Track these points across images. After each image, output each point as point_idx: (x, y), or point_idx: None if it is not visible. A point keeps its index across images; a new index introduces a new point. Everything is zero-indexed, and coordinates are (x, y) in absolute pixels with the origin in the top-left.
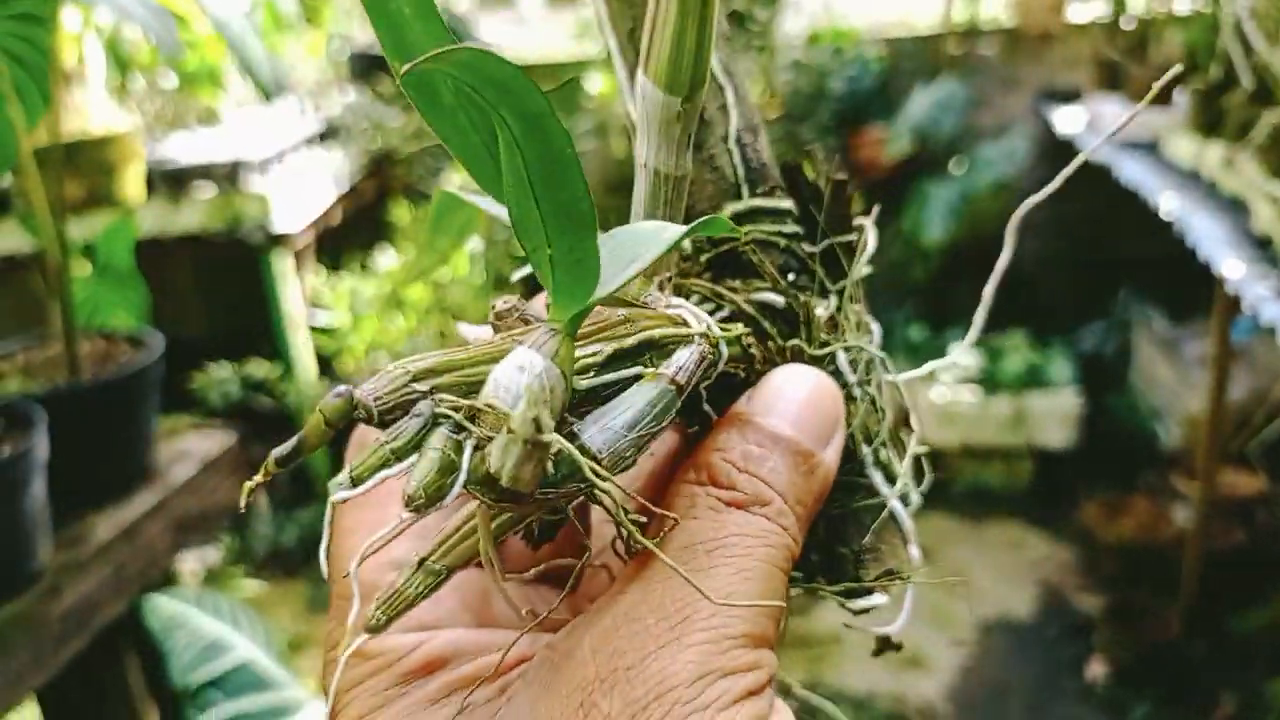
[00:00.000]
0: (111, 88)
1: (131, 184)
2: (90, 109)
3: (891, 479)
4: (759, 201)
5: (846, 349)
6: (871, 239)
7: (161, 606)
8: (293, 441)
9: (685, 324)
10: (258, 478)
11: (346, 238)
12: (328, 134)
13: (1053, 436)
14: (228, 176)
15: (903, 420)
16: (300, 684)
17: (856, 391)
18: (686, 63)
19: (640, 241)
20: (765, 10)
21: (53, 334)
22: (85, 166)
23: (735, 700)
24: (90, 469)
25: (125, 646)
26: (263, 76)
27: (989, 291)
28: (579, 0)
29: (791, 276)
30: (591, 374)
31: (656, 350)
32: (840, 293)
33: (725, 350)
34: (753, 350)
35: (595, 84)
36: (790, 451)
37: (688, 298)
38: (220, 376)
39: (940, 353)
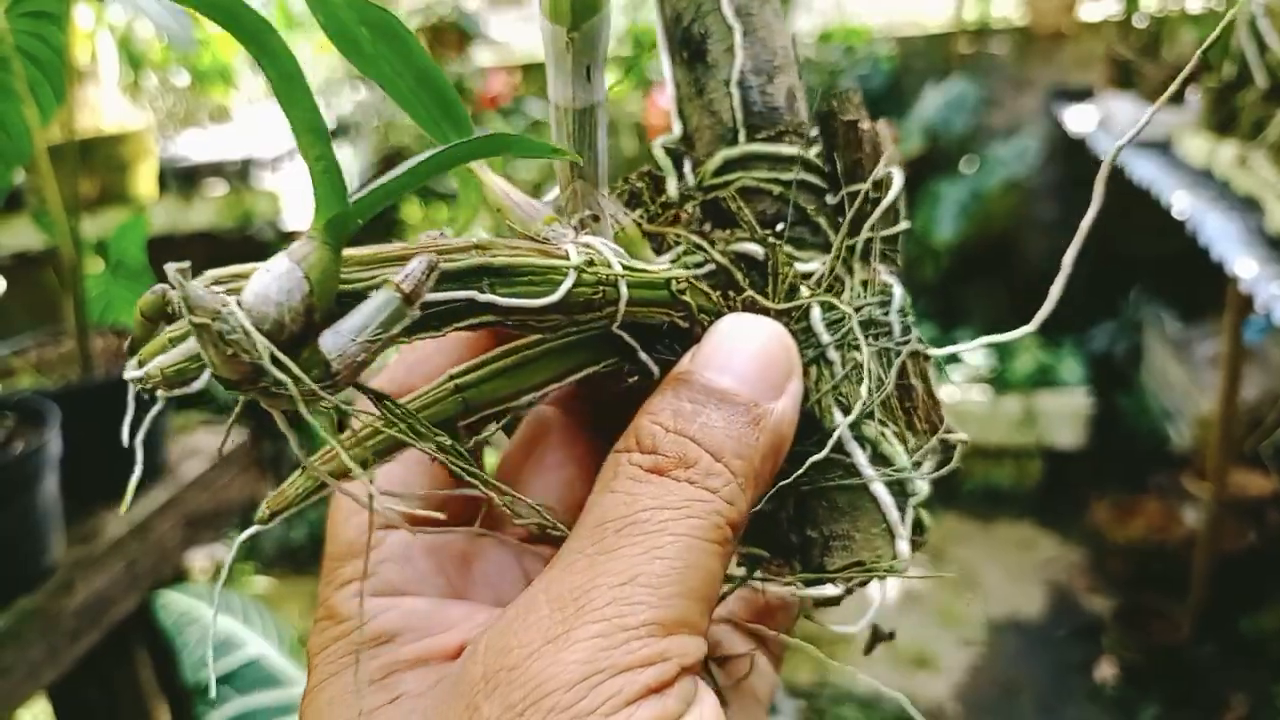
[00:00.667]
0: (124, 85)
1: (144, 181)
2: (103, 106)
3: (883, 459)
4: (755, 147)
5: (827, 305)
6: (896, 186)
7: (173, 602)
8: (128, 341)
9: (565, 258)
10: (134, 373)
11: (357, 236)
12: (338, 132)
13: (1063, 437)
14: (239, 174)
15: (929, 400)
16: None
17: (832, 354)
18: None
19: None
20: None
21: (66, 331)
22: (98, 164)
23: (629, 701)
24: (102, 465)
25: (137, 642)
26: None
27: (1069, 259)
28: None
29: (780, 227)
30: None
31: (495, 277)
32: (849, 247)
33: (624, 290)
34: (686, 297)
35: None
36: (727, 403)
37: (670, 248)
38: None
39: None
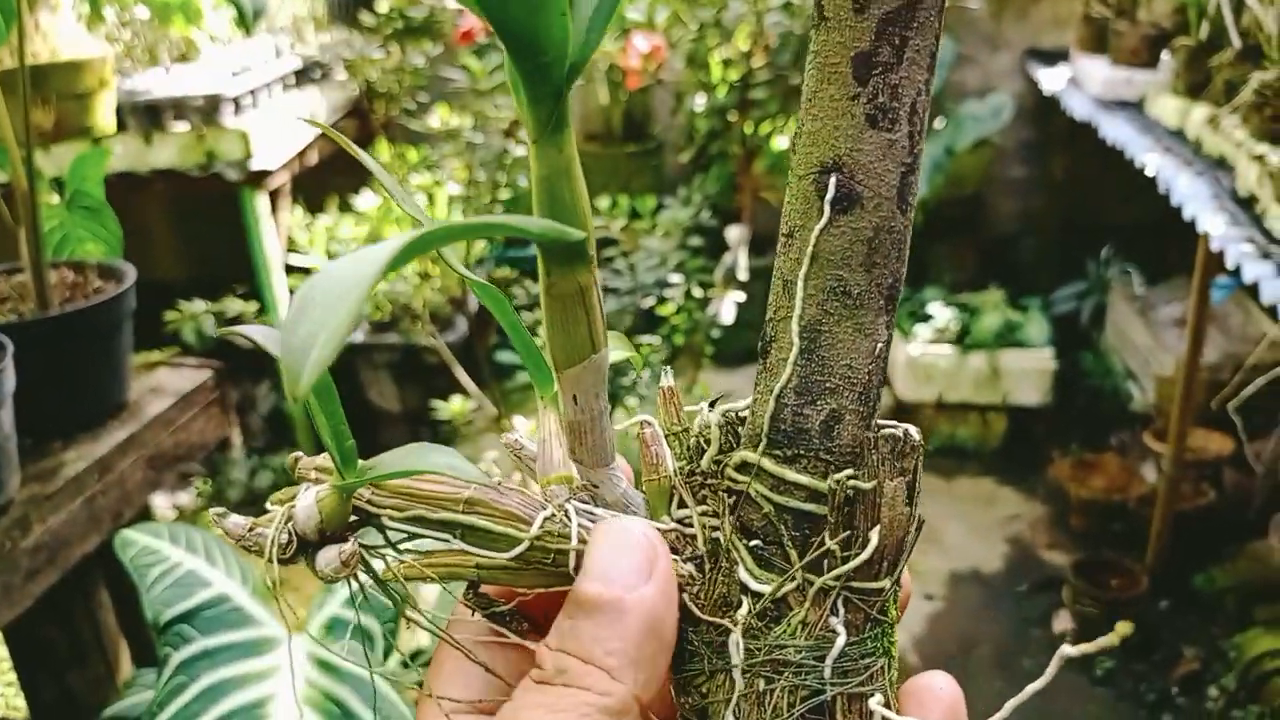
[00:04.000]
0: (81, 16)
1: (102, 114)
2: (59, 34)
3: None
4: (766, 462)
5: (746, 631)
6: (869, 549)
7: (133, 540)
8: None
9: (526, 527)
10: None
11: (324, 179)
12: (306, 72)
13: (1027, 395)
14: (201, 112)
15: None
16: (277, 621)
17: (736, 675)
18: (564, 345)
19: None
20: None
21: (21, 265)
22: (54, 92)
23: None
24: (60, 401)
25: (98, 582)
26: (243, 1)
27: None
28: None
29: (755, 542)
30: (414, 526)
31: (467, 530)
32: (815, 587)
33: (573, 559)
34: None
35: None
36: (594, 607)
37: (699, 503)
38: (194, 311)
39: (919, 309)
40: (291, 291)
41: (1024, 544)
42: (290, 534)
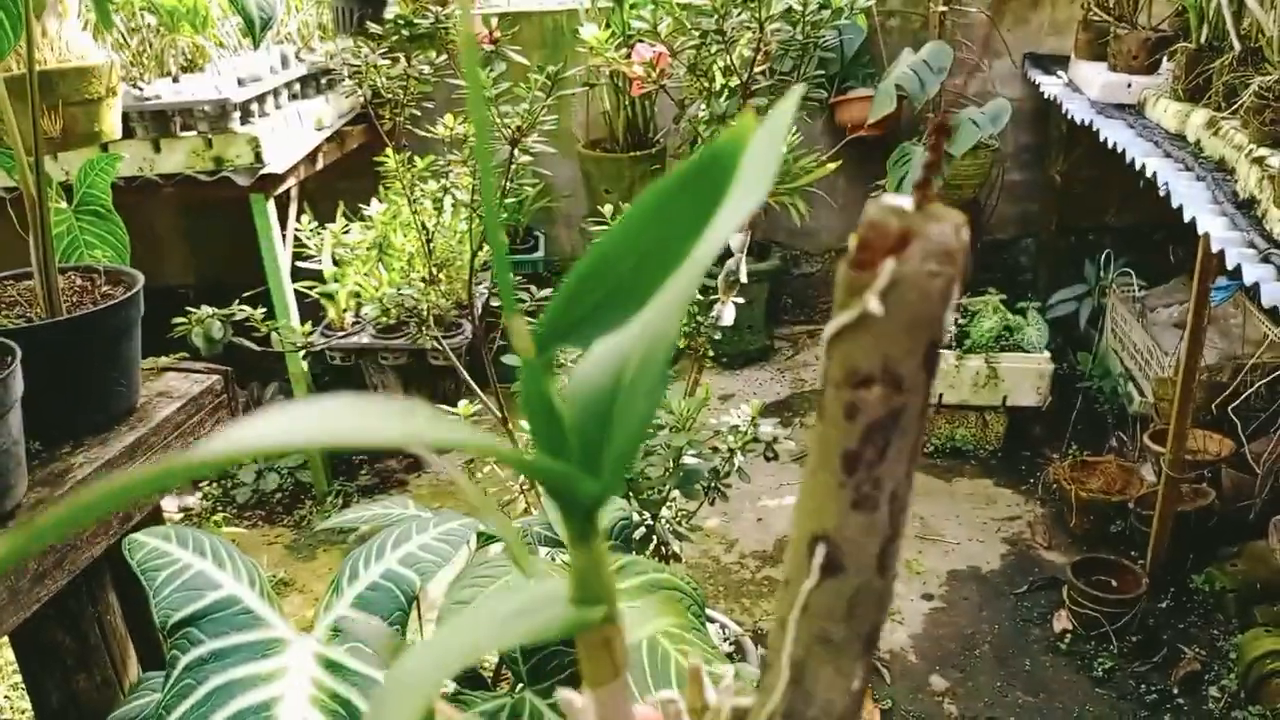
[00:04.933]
0: (87, 23)
1: (109, 120)
2: (67, 41)
3: None
4: None
5: None
6: None
7: (143, 542)
8: None
9: None
10: None
11: (332, 185)
12: (313, 79)
13: (1026, 396)
14: (209, 118)
15: None
16: (286, 623)
17: None
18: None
19: None
20: None
21: (30, 270)
22: (61, 99)
23: None
24: (68, 405)
25: (107, 585)
26: (249, 7)
27: None
28: None
29: None
30: None
31: None
32: None
33: None
34: None
35: (588, 31)
36: None
37: None
38: (202, 316)
39: None
40: (298, 295)
41: (1023, 544)
42: None
